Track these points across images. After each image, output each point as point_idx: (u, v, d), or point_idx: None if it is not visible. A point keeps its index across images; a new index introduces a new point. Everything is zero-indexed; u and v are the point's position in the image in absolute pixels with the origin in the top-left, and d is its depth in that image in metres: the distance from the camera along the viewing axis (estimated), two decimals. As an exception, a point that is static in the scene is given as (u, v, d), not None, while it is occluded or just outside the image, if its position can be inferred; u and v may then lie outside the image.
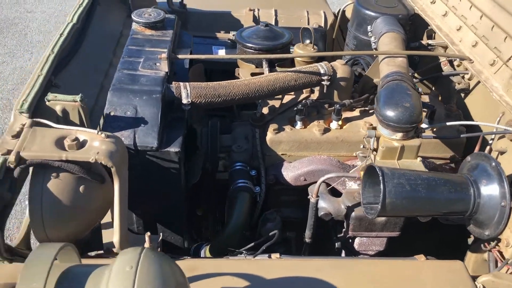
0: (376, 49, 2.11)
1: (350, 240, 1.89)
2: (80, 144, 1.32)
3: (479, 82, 2.01)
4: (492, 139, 1.73)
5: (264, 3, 2.96)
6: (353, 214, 1.78)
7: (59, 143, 1.32)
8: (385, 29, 2.07)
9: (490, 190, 1.35)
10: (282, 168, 1.94)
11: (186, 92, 1.72)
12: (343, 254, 1.96)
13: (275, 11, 2.86)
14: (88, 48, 1.90)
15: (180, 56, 1.82)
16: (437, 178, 1.39)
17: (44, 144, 1.30)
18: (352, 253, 1.93)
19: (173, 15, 2.14)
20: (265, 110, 2.02)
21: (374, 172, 1.42)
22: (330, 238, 1.95)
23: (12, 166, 1.26)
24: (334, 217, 1.82)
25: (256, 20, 2.82)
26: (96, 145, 1.33)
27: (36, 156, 1.28)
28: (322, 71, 1.92)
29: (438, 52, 2.12)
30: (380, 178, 1.33)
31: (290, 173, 1.92)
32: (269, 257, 1.48)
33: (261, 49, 2.16)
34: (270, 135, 1.92)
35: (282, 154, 1.95)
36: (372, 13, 2.30)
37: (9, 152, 1.29)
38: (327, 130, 1.93)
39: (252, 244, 1.73)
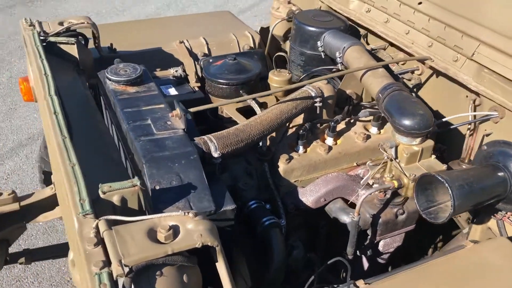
0: (342, 63, 2.25)
1: (375, 244, 2.02)
2: (175, 232, 1.21)
3: (429, 77, 2.30)
4: (471, 127, 2.00)
5: (188, 33, 2.91)
6: (380, 220, 1.91)
7: (152, 236, 1.20)
8: (347, 44, 2.21)
9: (520, 170, 1.59)
10: (299, 195, 1.98)
11: (214, 145, 1.66)
12: (364, 260, 2.09)
13: (205, 39, 2.83)
14: (75, 120, 1.70)
15: (192, 109, 1.73)
16: (478, 171, 1.58)
17: (139, 243, 1.16)
18: (375, 255, 2.07)
19: (140, 66, 2.00)
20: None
21: (425, 180, 1.55)
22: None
23: (120, 278, 1.10)
24: (361, 228, 1.92)
25: (190, 52, 2.76)
26: (191, 227, 1.23)
27: (140, 259, 1.14)
28: (313, 94, 2.00)
29: (404, 57, 2.33)
30: (446, 184, 1.47)
31: (309, 197, 1.96)
32: (355, 285, 1.52)
33: (238, 83, 2.15)
34: (283, 166, 1.93)
35: (295, 181, 1.98)
36: (317, 29, 2.44)
37: (105, 263, 1.13)
38: (330, 148, 2.01)
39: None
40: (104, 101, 1.99)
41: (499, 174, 1.60)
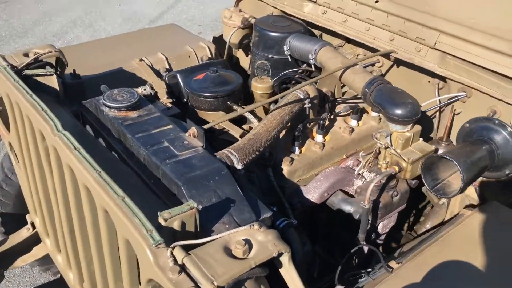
0: (315, 64, 2.38)
1: (375, 227, 2.18)
2: (249, 246, 1.25)
3: (390, 68, 2.51)
4: (443, 109, 2.23)
5: (143, 50, 2.88)
6: (380, 204, 2.07)
7: (229, 253, 1.23)
8: (317, 46, 2.34)
9: (503, 140, 1.82)
10: (303, 193, 2.07)
11: (235, 158, 1.70)
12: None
13: (163, 55, 2.82)
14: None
15: (206, 126, 1.74)
16: (471, 147, 1.78)
17: (223, 262, 1.19)
18: (376, 237, 2.23)
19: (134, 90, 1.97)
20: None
21: (430, 161, 1.73)
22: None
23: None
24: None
25: (152, 68, 2.73)
26: (261, 239, 1.27)
27: (230, 277, 1.16)
28: (302, 97, 2.11)
29: (366, 53, 2.49)
30: (455, 162, 1.65)
31: (314, 194, 2.07)
32: (389, 267, 1.65)
33: (225, 94, 2.19)
34: (287, 168, 2.02)
35: (297, 181, 2.08)
36: (281, 34, 2.55)
37: (198, 288, 1.14)
38: (323, 145, 2.13)
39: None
40: (98, 129, 1.93)
41: (487, 146, 1.82)
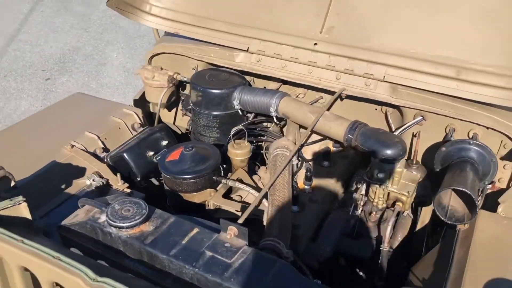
0: (277, 116, 2.36)
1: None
2: None
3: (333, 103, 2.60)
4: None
5: (65, 133, 2.53)
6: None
7: None
8: (275, 97, 2.32)
9: (480, 156, 2.04)
10: (316, 250, 2.05)
11: (282, 246, 1.62)
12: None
13: (93, 133, 2.51)
14: None
15: (240, 221, 1.61)
16: (464, 171, 1.96)
17: None
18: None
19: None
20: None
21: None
22: None
23: None
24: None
25: (88, 152, 2.42)
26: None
27: None
28: (288, 153, 2.09)
29: (332, 96, 2.48)
30: (469, 192, 1.80)
31: (327, 248, 2.06)
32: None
33: (212, 170, 2.05)
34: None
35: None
36: (226, 90, 2.47)
37: None
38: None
39: None
40: (96, 251, 1.65)
41: (471, 166, 2.02)
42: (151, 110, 3.01)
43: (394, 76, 2.29)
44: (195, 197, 2.06)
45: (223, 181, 2.05)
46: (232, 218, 1.95)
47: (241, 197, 2.07)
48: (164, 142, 2.54)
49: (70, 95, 2.95)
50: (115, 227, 1.57)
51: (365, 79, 2.35)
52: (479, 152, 2.05)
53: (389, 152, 2.01)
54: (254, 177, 2.23)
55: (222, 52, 2.65)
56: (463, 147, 2.07)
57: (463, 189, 1.81)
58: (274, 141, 2.28)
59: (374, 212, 2.16)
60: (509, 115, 2.14)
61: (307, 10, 2.50)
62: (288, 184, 1.94)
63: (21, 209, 1.66)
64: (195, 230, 1.61)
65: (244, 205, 1.99)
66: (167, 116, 3.05)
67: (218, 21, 2.67)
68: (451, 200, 1.98)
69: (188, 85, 2.77)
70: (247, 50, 2.57)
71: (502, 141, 2.16)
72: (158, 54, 2.84)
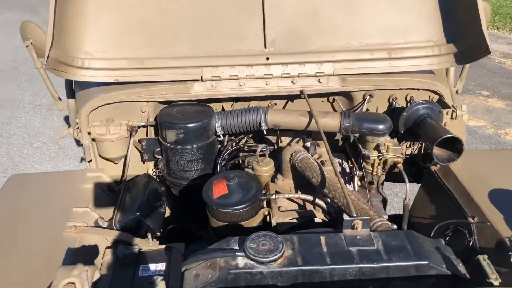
0: (270, 129, 2.53)
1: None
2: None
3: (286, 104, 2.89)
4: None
5: (48, 221, 2.23)
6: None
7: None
8: (261, 113, 2.48)
9: (432, 112, 2.62)
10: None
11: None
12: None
13: (89, 208, 2.27)
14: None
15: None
16: (427, 123, 2.51)
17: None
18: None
19: None
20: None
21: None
22: None
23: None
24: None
25: (96, 226, 2.19)
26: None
27: None
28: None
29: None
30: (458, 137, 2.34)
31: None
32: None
33: (258, 198, 2.14)
34: None
35: None
36: (202, 122, 2.52)
37: None
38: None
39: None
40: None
41: (430, 119, 2.57)
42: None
43: (340, 68, 2.70)
44: (254, 222, 2.12)
45: (272, 197, 2.16)
46: (291, 226, 2.12)
47: (283, 207, 2.22)
48: (162, 188, 2.46)
49: (7, 180, 2.52)
50: (268, 262, 1.59)
51: (318, 77, 2.71)
52: (430, 108, 2.63)
53: (382, 126, 2.43)
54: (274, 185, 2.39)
55: (175, 88, 2.65)
56: (418, 108, 2.62)
57: (452, 135, 2.34)
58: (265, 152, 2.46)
59: (375, 181, 2.56)
60: (431, 77, 2.77)
61: (245, 30, 2.69)
62: (335, 178, 2.18)
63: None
64: (323, 238, 1.74)
65: (299, 211, 2.16)
66: (115, 170, 2.87)
67: (159, 59, 2.65)
68: (433, 149, 2.50)
69: (147, 129, 2.69)
70: (201, 79, 2.64)
71: (429, 96, 2.78)
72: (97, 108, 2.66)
